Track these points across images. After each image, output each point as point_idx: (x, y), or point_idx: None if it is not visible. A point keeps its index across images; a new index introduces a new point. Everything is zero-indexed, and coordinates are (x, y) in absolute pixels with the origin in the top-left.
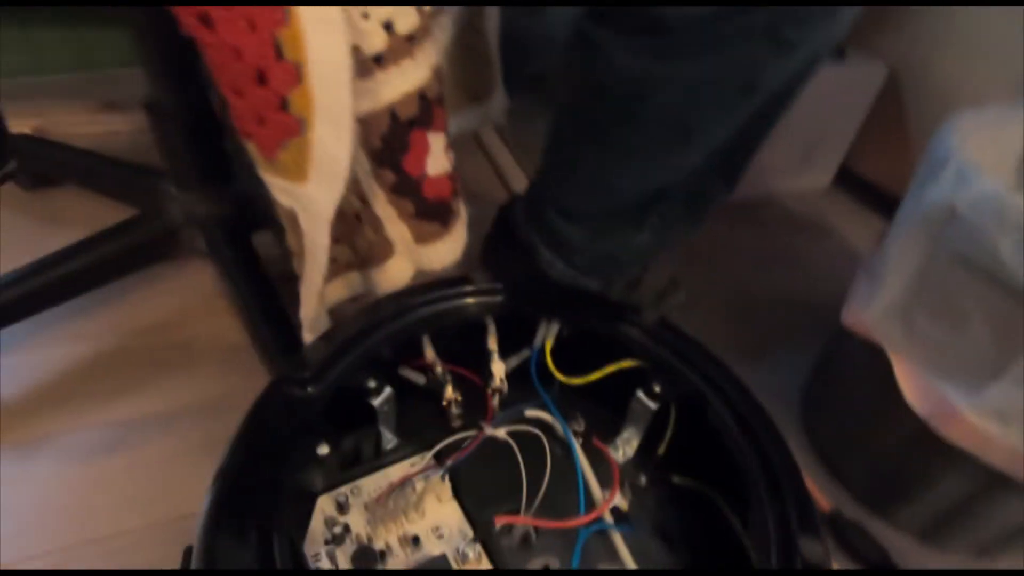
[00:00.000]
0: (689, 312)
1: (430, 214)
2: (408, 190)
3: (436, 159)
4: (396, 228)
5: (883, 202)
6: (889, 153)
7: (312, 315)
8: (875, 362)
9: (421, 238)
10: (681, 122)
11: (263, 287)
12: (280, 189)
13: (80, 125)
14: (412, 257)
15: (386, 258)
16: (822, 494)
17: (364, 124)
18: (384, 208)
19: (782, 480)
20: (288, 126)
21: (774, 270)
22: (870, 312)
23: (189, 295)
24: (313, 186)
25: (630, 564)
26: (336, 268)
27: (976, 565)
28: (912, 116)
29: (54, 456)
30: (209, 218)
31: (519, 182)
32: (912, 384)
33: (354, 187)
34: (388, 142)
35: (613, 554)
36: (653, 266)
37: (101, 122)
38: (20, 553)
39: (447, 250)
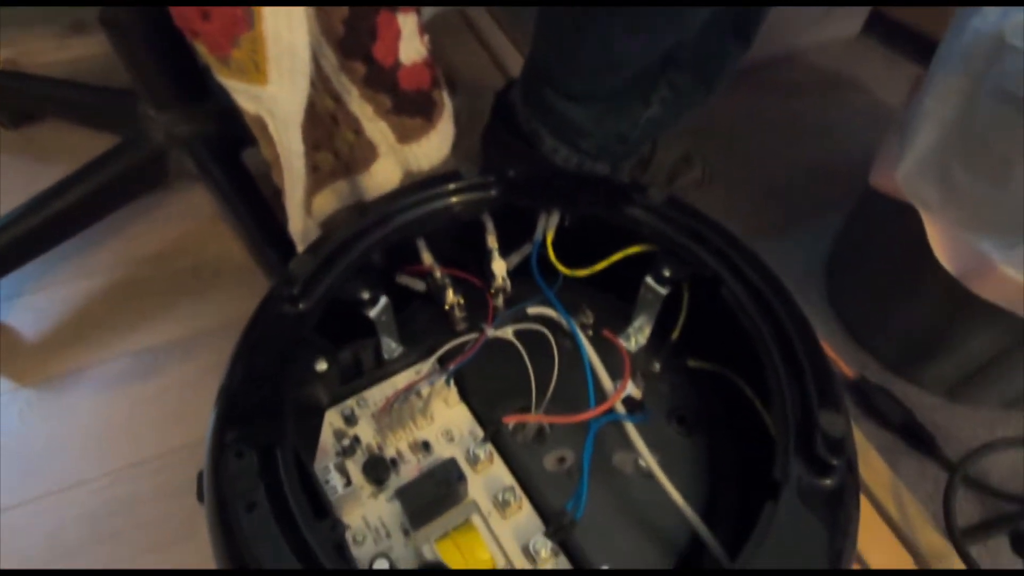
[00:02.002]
0: (706, 189)
1: (410, 108)
2: (382, 82)
3: (409, 44)
4: (376, 127)
5: (920, 47)
6: None
7: (301, 229)
8: (904, 223)
9: (404, 136)
10: None
11: (258, 205)
12: (242, 94)
13: (50, 52)
14: (398, 158)
15: (370, 162)
16: (846, 363)
17: (323, 10)
18: (359, 105)
19: (800, 353)
20: (235, 18)
21: (798, 136)
22: (901, 169)
23: (190, 220)
24: (275, 86)
25: (644, 452)
26: (321, 177)
27: (1004, 417)
28: None
29: (87, 389)
30: (192, 138)
31: (516, 65)
32: (944, 243)
33: (324, 85)
34: (353, 28)
35: (628, 443)
36: (664, 142)
37: (71, 46)
38: (73, 478)
39: (433, 147)
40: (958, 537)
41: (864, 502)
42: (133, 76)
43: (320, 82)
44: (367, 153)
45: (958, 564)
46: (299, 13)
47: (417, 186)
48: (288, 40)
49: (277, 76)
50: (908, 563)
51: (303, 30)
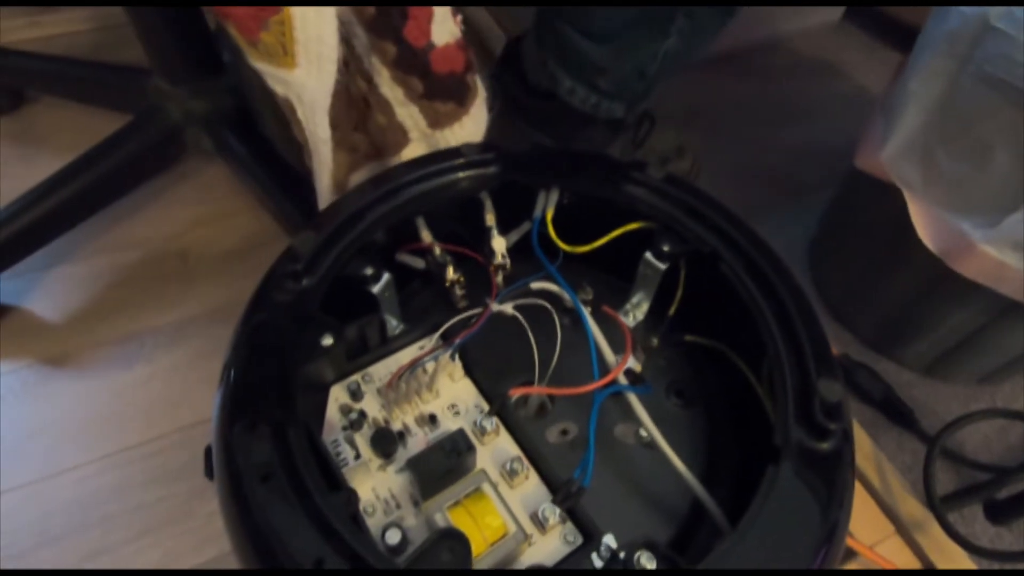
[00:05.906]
0: (694, 176)
1: (442, 92)
2: (413, 65)
3: (443, 24)
4: (407, 111)
5: (901, 35)
6: None
7: None
8: (888, 204)
9: (436, 122)
10: None
11: (285, 178)
12: (272, 77)
13: (19, 30)
14: (429, 143)
15: (401, 146)
16: (829, 342)
17: None
18: (390, 88)
19: (798, 324)
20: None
21: (781, 121)
22: (885, 151)
23: (176, 205)
24: (303, 71)
25: (647, 421)
26: (358, 158)
27: (977, 391)
28: None
29: (72, 375)
30: (211, 114)
31: (498, 43)
32: (926, 222)
33: (357, 65)
34: (383, 8)
35: (630, 414)
36: (660, 127)
37: (42, 24)
38: (60, 465)
39: (467, 133)
40: (937, 505)
41: None
42: (148, 50)
43: (353, 62)
44: (398, 137)
45: (937, 531)
46: None
47: (417, 163)
48: (316, 24)
49: (305, 61)
50: (889, 530)
51: (331, 13)
